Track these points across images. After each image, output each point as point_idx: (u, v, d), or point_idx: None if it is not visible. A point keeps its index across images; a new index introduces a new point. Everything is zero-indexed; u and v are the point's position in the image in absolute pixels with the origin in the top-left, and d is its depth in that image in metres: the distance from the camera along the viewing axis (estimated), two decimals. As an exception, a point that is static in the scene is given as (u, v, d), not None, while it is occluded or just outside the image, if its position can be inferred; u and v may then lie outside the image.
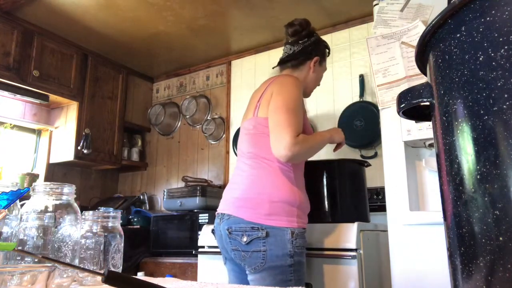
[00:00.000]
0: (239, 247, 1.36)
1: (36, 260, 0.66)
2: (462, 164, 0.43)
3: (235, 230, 1.37)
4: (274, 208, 1.35)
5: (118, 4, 2.64)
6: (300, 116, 1.40)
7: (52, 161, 3.18)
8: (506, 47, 0.39)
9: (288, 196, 1.37)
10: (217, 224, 1.45)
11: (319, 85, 1.69)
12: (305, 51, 1.59)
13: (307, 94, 1.66)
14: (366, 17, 2.73)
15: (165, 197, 3.00)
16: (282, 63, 1.62)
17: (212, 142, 3.37)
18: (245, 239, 1.34)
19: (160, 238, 2.89)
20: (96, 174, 3.58)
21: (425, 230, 1.44)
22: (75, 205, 0.82)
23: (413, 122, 1.53)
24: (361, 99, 2.63)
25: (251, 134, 1.47)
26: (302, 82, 1.56)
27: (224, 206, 1.45)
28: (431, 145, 1.55)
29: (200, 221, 2.68)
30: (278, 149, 1.33)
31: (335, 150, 1.59)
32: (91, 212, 0.88)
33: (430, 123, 0.54)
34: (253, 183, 1.41)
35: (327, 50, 1.69)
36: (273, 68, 1.69)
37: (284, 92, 1.42)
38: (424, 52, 0.53)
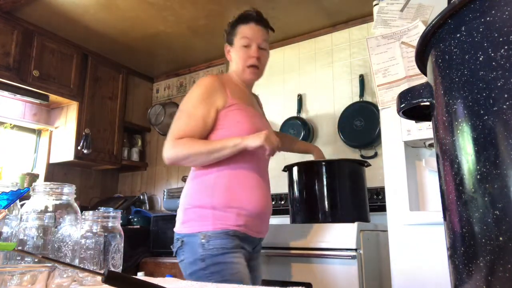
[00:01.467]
0: (177, 259, 1.39)
1: (36, 260, 0.66)
2: (462, 164, 0.43)
3: (172, 244, 1.41)
4: (188, 215, 1.36)
5: (118, 4, 2.64)
6: (190, 117, 1.36)
7: (52, 161, 3.18)
8: (506, 47, 0.39)
9: (198, 199, 1.35)
10: None
11: (255, 63, 1.51)
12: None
13: (247, 78, 1.53)
14: (366, 17, 2.72)
15: (165, 197, 3.00)
16: None
17: (212, 142, 3.36)
18: (174, 250, 1.37)
19: (160, 238, 2.88)
20: (96, 174, 3.58)
21: (425, 230, 1.44)
22: (75, 205, 0.82)
23: (413, 122, 1.53)
24: (361, 99, 2.63)
25: None
26: (235, 72, 1.52)
27: None
28: (431, 145, 1.55)
29: (200, 221, 2.67)
30: (163, 153, 1.35)
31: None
32: (91, 212, 0.88)
33: (430, 123, 0.54)
34: (183, 193, 1.44)
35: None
36: None
37: (185, 97, 1.44)
38: (424, 52, 0.53)
